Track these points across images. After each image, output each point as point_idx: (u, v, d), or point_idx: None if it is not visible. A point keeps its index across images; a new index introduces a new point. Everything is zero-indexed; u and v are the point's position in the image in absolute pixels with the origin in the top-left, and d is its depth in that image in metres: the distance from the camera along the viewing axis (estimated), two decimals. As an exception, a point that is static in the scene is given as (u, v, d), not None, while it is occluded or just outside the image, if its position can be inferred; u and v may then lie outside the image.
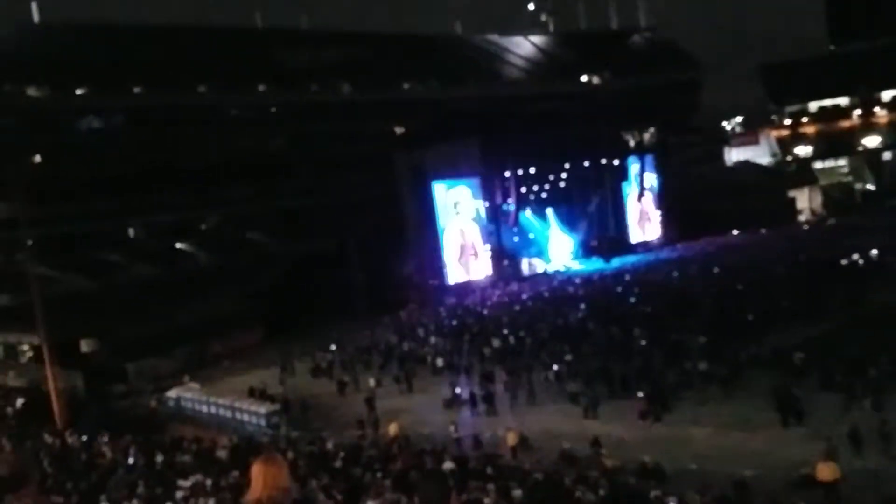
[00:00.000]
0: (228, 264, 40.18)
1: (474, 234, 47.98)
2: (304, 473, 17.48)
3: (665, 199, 56.79)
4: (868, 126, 64.80)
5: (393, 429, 22.88)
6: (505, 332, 32.31)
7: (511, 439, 20.76)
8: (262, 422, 25.59)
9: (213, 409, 27.80)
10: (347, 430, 24.08)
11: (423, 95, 54.55)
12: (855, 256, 39.09)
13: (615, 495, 15.61)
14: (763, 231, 52.82)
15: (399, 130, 52.75)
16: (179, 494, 16.77)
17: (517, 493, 15.73)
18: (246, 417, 26.34)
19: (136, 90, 43.60)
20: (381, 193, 43.56)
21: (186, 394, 29.61)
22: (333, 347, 34.00)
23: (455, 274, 46.75)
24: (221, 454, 21.71)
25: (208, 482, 17.77)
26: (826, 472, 15.67)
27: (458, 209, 47.17)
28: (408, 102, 53.55)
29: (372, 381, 28.54)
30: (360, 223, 41.32)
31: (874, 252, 39.30)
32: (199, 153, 42.24)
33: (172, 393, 29.90)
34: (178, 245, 42.59)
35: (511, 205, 49.30)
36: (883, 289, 32.38)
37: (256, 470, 4.26)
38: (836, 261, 39.08)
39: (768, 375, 23.00)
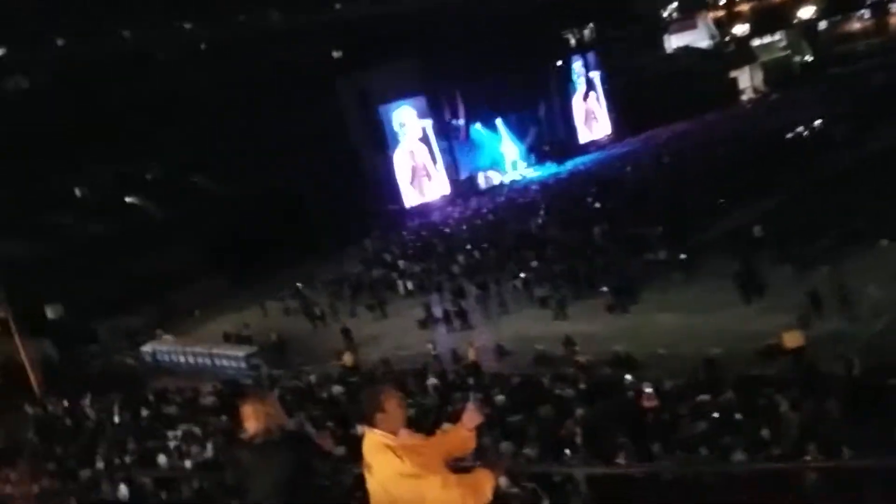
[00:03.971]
0: (179, 213, 39.37)
1: (424, 155, 47.61)
2: (291, 407, 17.90)
3: (611, 95, 56.80)
4: (802, -4, 65.06)
5: (348, 359, 23.15)
6: (469, 247, 32.67)
7: (472, 354, 21.05)
8: (242, 364, 25.81)
9: (190, 359, 27.88)
10: (327, 362, 24.49)
11: (355, 15, 52.74)
12: (800, 129, 39.97)
13: (593, 387, 16.38)
14: (709, 115, 53.36)
15: (337, 55, 51.18)
16: (172, 445, 17.06)
17: (500, 398, 16.39)
18: (225, 363, 26.53)
19: (60, 42, 41.55)
20: (327, 123, 42.67)
21: (162, 347, 29.56)
22: (300, 285, 33.99)
23: (411, 197, 46.64)
24: (207, 401, 22.03)
25: (197, 430, 18.09)
26: (792, 339, 16.54)
27: (404, 130, 46.58)
28: (341, 24, 51.78)
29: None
30: (308, 156, 40.59)
31: (817, 122, 40.22)
32: (130, 101, 40.60)
33: (148, 347, 29.81)
34: (128, 199, 41.46)
35: (461, 120, 48.83)
36: (828, 158, 33.38)
37: (248, 408, 4.41)
38: (782, 135, 39.96)
39: (726, 255, 23.88)
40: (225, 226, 38.84)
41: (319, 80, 43.14)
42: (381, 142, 45.60)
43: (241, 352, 26.48)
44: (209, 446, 15.77)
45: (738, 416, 12.55)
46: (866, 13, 64.13)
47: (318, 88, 42.50)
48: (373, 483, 3.73)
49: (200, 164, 42.79)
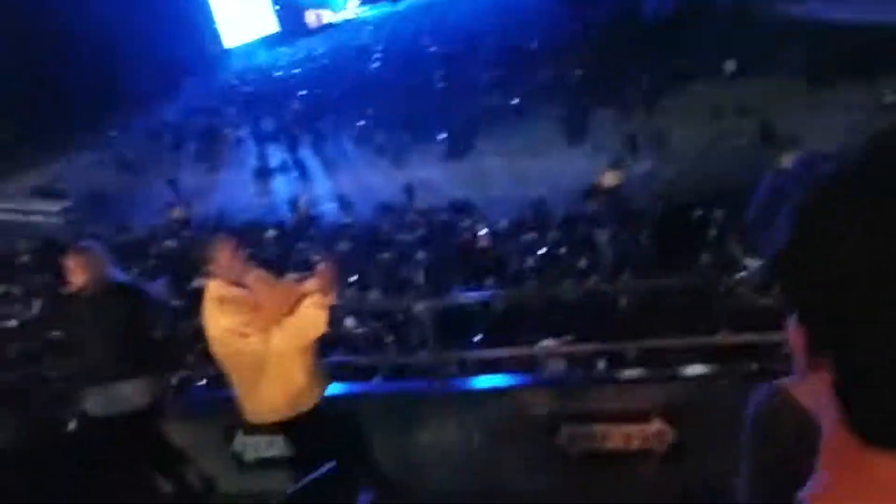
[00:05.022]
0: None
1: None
2: (120, 262, 17.03)
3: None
4: None
5: (178, 212, 21.97)
6: (303, 92, 31.37)
7: (305, 204, 20.77)
8: (59, 220, 23.97)
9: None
10: (155, 215, 23.28)
11: None
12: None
13: (430, 232, 16.99)
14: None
15: None
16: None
17: (343, 245, 16.57)
18: (41, 218, 24.48)
19: None
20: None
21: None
22: (114, 134, 31.25)
23: (231, 37, 43.20)
24: (24, 259, 20.43)
25: (15, 289, 16.88)
26: (609, 178, 17.92)
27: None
28: None
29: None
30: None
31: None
32: None
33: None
34: None
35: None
36: None
37: (71, 261, 4.26)
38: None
39: (554, 99, 24.75)
40: (21, 71, 34.13)
41: None
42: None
43: (56, 206, 24.47)
44: (34, 305, 14.87)
45: (561, 250, 13.65)
46: None
47: None
48: (208, 333, 3.72)
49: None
